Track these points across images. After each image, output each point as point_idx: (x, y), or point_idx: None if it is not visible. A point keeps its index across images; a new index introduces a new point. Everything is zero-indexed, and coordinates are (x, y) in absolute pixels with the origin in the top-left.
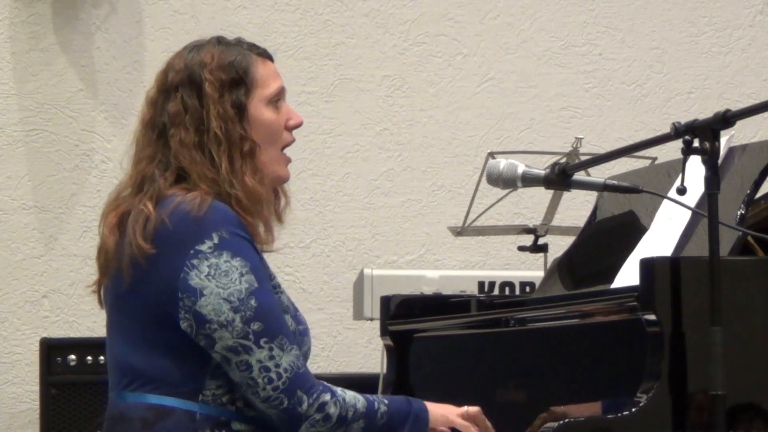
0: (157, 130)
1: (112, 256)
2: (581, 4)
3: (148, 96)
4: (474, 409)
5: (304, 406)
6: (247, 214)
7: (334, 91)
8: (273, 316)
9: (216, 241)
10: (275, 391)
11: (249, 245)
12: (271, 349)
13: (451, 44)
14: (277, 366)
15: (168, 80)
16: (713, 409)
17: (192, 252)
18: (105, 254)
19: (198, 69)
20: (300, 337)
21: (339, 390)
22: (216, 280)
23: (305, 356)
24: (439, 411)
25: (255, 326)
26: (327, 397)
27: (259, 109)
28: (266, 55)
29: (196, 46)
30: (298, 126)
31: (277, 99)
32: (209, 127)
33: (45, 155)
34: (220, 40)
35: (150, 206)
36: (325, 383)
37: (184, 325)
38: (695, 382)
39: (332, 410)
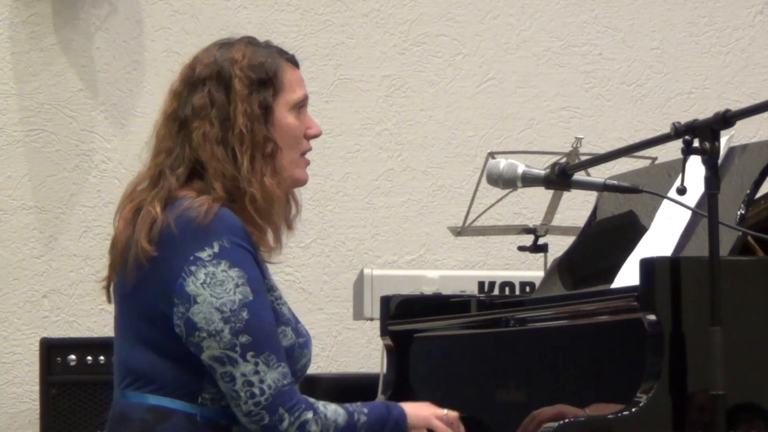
0: (178, 122)
1: (122, 252)
2: (581, 4)
3: (172, 88)
4: (453, 414)
5: (285, 424)
6: (259, 216)
7: (334, 91)
8: (263, 331)
9: (216, 249)
10: (257, 407)
11: (250, 257)
12: (256, 364)
13: (451, 44)
14: (261, 381)
15: (195, 73)
16: (713, 409)
17: (191, 258)
18: (116, 249)
19: (228, 65)
20: (300, 350)
21: (321, 406)
22: (211, 289)
23: (304, 368)
24: (418, 413)
25: (243, 339)
26: (309, 415)
27: (283, 113)
28: (293, 61)
29: (226, 44)
30: (316, 136)
31: (300, 106)
32: (235, 123)
33: (45, 155)
34: (250, 41)
35: (158, 208)
36: (309, 399)
37: (177, 330)
38: (695, 382)
39: (313, 428)
